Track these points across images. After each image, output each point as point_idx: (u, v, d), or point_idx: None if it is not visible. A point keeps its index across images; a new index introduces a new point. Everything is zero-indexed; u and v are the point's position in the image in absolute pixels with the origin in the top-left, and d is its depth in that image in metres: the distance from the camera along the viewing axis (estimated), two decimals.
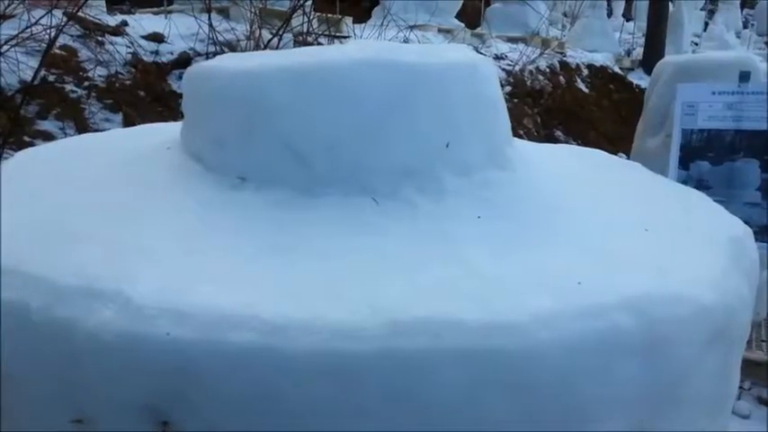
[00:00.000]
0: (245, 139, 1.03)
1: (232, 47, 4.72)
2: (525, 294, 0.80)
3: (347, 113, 1.01)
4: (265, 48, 4.17)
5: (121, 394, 0.76)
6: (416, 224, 0.96)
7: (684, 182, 1.84)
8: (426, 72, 1.04)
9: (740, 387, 3.35)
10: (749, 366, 3.19)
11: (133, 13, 5.05)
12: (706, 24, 16.17)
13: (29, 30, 3.45)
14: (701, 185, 1.90)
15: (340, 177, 1.01)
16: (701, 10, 16.36)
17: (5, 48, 3.37)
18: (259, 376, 0.72)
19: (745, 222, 1.20)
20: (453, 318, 0.74)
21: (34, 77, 3.30)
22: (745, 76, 2.02)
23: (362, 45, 1.17)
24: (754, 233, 2.06)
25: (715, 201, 1.33)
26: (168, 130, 1.47)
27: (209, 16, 4.19)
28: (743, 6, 20.67)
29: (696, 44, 13.81)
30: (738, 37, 16.48)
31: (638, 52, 10.11)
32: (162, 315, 0.74)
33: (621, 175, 1.41)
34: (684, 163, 2.11)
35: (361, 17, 6.29)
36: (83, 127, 3.70)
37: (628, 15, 16.56)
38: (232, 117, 1.04)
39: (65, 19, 3.58)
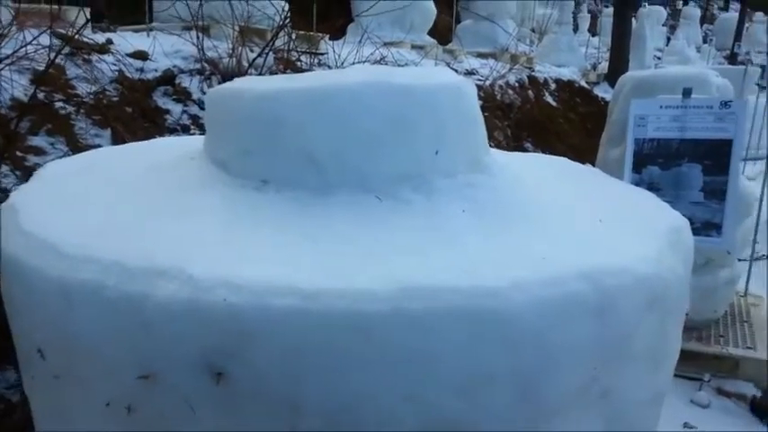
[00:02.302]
0: (268, 149, 1.23)
1: (215, 64, 4.88)
2: (504, 267, 1.01)
3: (353, 127, 1.21)
4: (249, 66, 4.34)
5: (184, 352, 0.94)
6: (413, 217, 1.16)
7: (637, 184, 2.08)
8: (419, 92, 1.26)
9: (700, 379, 3.61)
10: (708, 359, 3.44)
11: (114, 31, 5.16)
12: (668, 39, 16.77)
13: (23, 49, 3.57)
14: (651, 188, 2.14)
15: (348, 180, 1.21)
16: (663, 26, 16.96)
17: (1, 66, 3.48)
18: (298, 333, 0.91)
19: (690, 219, 1.43)
20: (450, 284, 0.95)
21: (32, 97, 3.42)
22: (687, 92, 2.29)
23: (365, 69, 1.38)
24: (698, 228, 2.32)
25: (664, 201, 1.56)
26: (182, 144, 1.66)
27: (196, 35, 4.34)
28: (702, 22, 21.49)
29: (659, 58, 14.35)
30: (699, 51, 17.11)
31: (604, 66, 10.48)
32: (218, 286, 0.93)
33: (582, 178, 1.64)
34: (637, 168, 2.38)
35: (336, 34, 6.48)
36: (73, 143, 3.82)
37: (593, 31, 17.12)
38: (257, 131, 1.24)
39: (54, 39, 3.71)
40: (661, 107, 2.33)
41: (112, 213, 1.18)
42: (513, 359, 0.96)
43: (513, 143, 6.81)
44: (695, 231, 1.43)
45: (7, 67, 3.49)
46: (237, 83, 1.40)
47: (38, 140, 3.74)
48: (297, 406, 0.93)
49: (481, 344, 0.94)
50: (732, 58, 14.90)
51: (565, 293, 0.99)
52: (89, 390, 1.03)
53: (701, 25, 20.91)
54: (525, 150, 6.81)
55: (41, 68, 3.60)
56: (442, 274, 0.98)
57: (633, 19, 10.72)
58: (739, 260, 3.71)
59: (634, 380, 1.11)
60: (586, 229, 1.22)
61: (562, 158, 1.84)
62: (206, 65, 4.51)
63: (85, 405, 1.05)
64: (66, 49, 4.02)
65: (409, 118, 1.25)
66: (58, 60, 4.01)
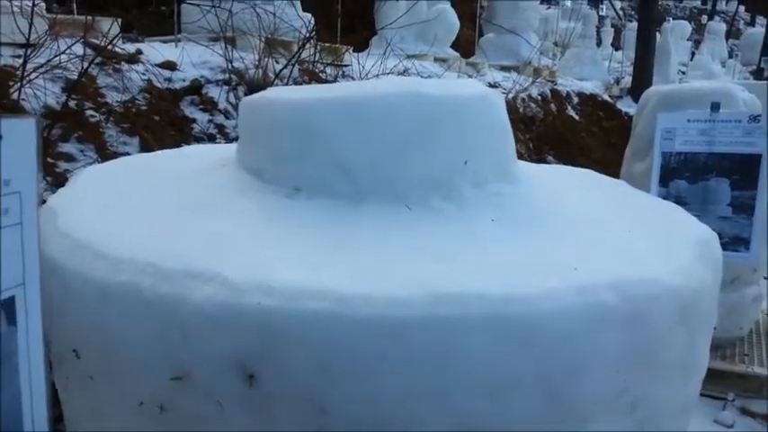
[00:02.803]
0: (300, 156, 1.26)
1: (241, 75, 4.96)
2: (534, 275, 1.02)
3: (385, 136, 1.24)
4: (276, 77, 4.41)
5: (217, 354, 0.96)
6: (443, 225, 1.18)
7: (664, 198, 2.07)
8: (449, 103, 1.27)
9: (724, 398, 3.55)
10: (733, 379, 3.38)
11: (143, 41, 5.27)
12: (692, 54, 16.63)
13: (57, 59, 3.66)
14: (679, 201, 2.12)
15: (379, 188, 1.23)
16: (688, 40, 16.84)
17: (34, 75, 3.58)
18: (330, 337, 0.93)
19: (719, 233, 1.43)
20: (480, 291, 0.96)
21: (64, 105, 3.50)
22: (715, 106, 2.28)
23: (393, 80, 1.40)
24: (726, 243, 2.29)
25: (691, 215, 1.56)
26: (212, 152, 1.69)
27: (224, 46, 4.42)
28: (728, 37, 21.29)
29: (683, 73, 14.24)
30: (724, 66, 16.95)
31: (627, 81, 10.42)
32: (253, 290, 0.95)
33: (609, 190, 1.64)
34: (664, 182, 2.36)
35: (360, 46, 6.55)
36: (102, 150, 3.91)
37: (617, 45, 17.04)
38: (289, 139, 1.27)
39: (87, 49, 3.80)
40: (689, 121, 2.32)
41: (149, 217, 1.21)
42: (541, 366, 0.97)
43: (535, 156, 6.80)
44: (723, 246, 1.42)
45: (41, 76, 3.58)
46: (270, 92, 1.43)
47: (68, 147, 3.83)
48: (325, 408, 0.94)
49: (509, 349, 0.95)
50: (758, 74, 14.72)
51: (594, 303, 0.99)
52: (123, 389, 1.06)
53: (727, 40, 20.71)
54: (547, 163, 6.79)
55: (73, 77, 3.70)
56: (472, 281, 0.99)
57: (657, 33, 10.66)
58: (765, 278, 3.65)
59: (664, 391, 1.10)
60: (615, 240, 1.22)
61: (588, 170, 1.84)
62: (232, 75, 4.59)
63: (119, 404, 1.07)
64: (98, 59, 4.13)
65: (439, 128, 1.26)
66: (89, 70, 4.11)
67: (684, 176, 2.35)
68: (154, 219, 1.20)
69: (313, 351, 0.93)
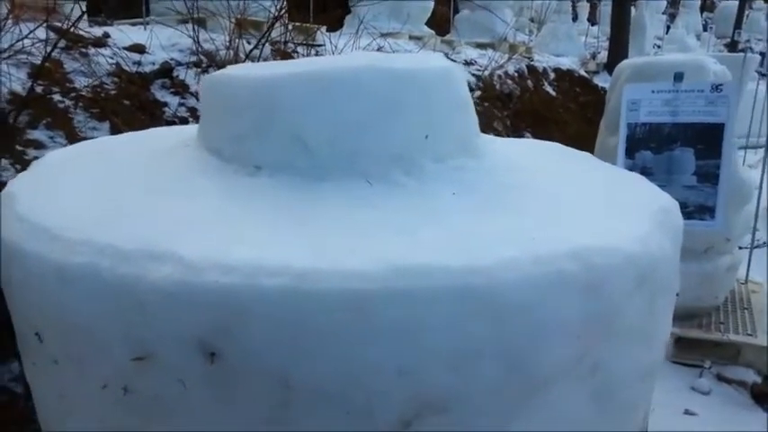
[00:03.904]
0: (260, 134, 1.25)
1: (212, 57, 4.88)
2: (494, 247, 1.03)
3: (346, 111, 1.23)
4: (246, 58, 4.35)
5: (177, 333, 0.96)
6: (405, 199, 1.18)
7: (630, 169, 2.09)
8: (409, 77, 1.27)
9: (701, 366, 3.62)
10: (709, 347, 3.46)
11: (111, 25, 5.16)
12: (668, 28, 16.69)
13: (20, 43, 3.57)
14: (645, 172, 2.15)
15: (340, 164, 1.23)
16: (663, 14, 16.89)
17: None
18: (289, 313, 0.93)
19: (684, 202, 1.45)
20: (441, 263, 0.97)
21: (30, 91, 3.43)
22: (679, 77, 2.30)
23: (356, 55, 1.39)
24: (692, 212, 2.33)
25: (657, 185, 1.57)
26: (178, 132, 1.67)
27: (193, 27, 4.35)
28: (702, 10, 21.41)
29: (659, 47, 14.31)
30: (698, 39, 17.06)
31: (603, 56, 10.46)
32: (210, 268, 0.95)
33: (573, 162, 1.65)
34: (630, 153, 2.39)
35: (334, 25, 6.47)
36: (72, 135, 3.83)
37: (592, 20, 17.06)
38: (250, 116, 1.26)
39: (51, 33, 3.71)
40: (653, 92, 2.34)
41: (107, 199, 1.19)
42: (502, 335, 0.98)
43: (513, 133, 6.81)
44: (689, 215, 1.45)
45: (4, 62, 3.50)
46: (230, 69, 1.41)
47: (37, 134, 3.75)
48: (288, 383, 0.94)
49: (470, 320, 0.96)
50: (732, 46, 14.86)
51: (553, 271, 1.00)
52: (86, 372, 1.05)
53: (701, 13, 20.83)
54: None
55: (38, 62, 3.61)
56: (432, 254, 0.99)
57: (632, 8, 10.69)
58: (740, 248, 3.72)
59: (623, 356, 1.12)
60: (575, 210, 1.23)
61: (554, 143, 1.85)
62: (203, 57, 4.52)
63: (84, 388, 1.07)
64: (63, 43, 4.03)
65: (400, 102, 1.26)
66: (55, 54, 4.02)
67: (650, 147, 2.38)
68: (113, 201, 1.18)
69: (273, 327, 0.93)
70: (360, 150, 1.24)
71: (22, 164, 3.19)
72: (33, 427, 1.33)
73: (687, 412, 3.24)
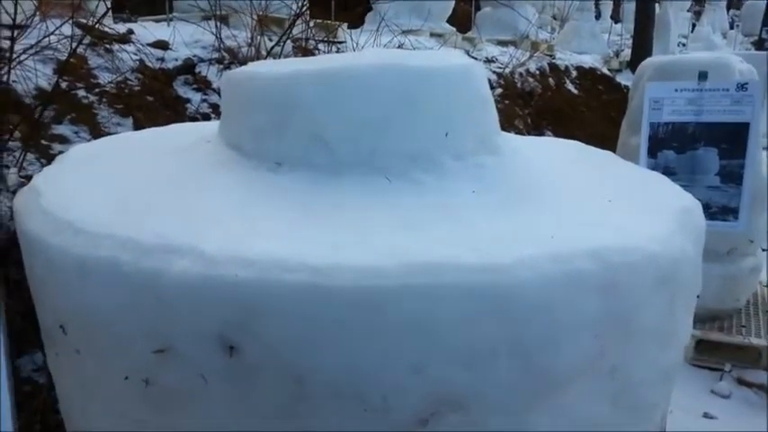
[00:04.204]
0: (280, 130, 1.26)
1: (234, 54, 4.91)
2: (511, 245, 1.02)
3: (366, 109, 1.23)
4: (268, 54, 4.37)
5: (197, 326, 0.97)
6: (423, 197, 1.18)
7: (653, 169, 2.07)
8: (429, 74, 1.27)
9: (721, 369, 3.57)
10: (730, 350, 3.41)
11: (135, 21, 5.22)
12: (693, 26, 16.41)
13: (47, 39, 3.63)
14: (667, 172, 2.12)
15: (359, 161, 1.23)
16: (688, 11, 16.61)
17: (24, 57, 3.55)
18: (306, 308, 0.94)
19: (707, 203, 1.43)
20: (456, 260, 0.96)
21: (55, 87, 3.48)
22: (703, 75, 2.26)
23: (377, 52, 1.39)
24: (715, 213, 2.30)
25: (680, 185, 1.55)
26: (200, 128, 1.69)
27: (215, 24, 4.38)
28: (729, 8, 21.01)
29: (683, 45, 14.07)
30: (725, 37, 16.74)
31: (627, 54, 10.31)
32: (229, 262, 0.96)
33: (594, 161, 1.64)
34: (652, 152, 2.36)
35: (355, 22, 6.47)
36: (96, 131, 3.89)
37: (616, 17, 16.84)
38: (270, 113, 1.27)
39: (76, 29, 3.76)
40: (677, 90, 2.30)
41: (130, 193, 1.21)
42: (518, 334, 0.97)
43: (534, 131, 6.76)
44: (712, 216, 1.43)
45: (31, 57, 3.56)
46: (251, 66, 1.42)
47: (62, 129, 3.81)
48: (304, 378, 0.95)
49: (486, 319, 0.96)
50: (759, 44, 14.56)
51: (571, 270, 1.00)
52: (108, 364, 1.07)
53: (728, 11, 20.44)
54: None
55: (64, 58, 3.67)
56: (448, 251, 0.99)
57: (657, 5, 10.53)
58: (763, 250, 3.66)
59: (642, 357, 1.11)
60: (596, 210, 1.22)
61: (576, 142, 1.84)
62: (225, 54, 4.55)
63: (105, 379, 1.09)
64: (88, 39, 4.08)
65: (419, 99, 1.26)
66: (80, 50, 4.08)
67: (673, 146, 2.34)
68: (135, 195, 1.20)
69: (291, 322, 0.94)
70: (379, 147, 1.24)
71: (48, 158, 3.25)
72: (56, 417, 1.36)
73: (706, 415, 3.20)
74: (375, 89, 1.24)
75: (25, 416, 2.83)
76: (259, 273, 0.94)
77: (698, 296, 1.28)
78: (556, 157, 1.55)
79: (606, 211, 1.22)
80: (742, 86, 2.22)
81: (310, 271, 0.94)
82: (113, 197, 1.20)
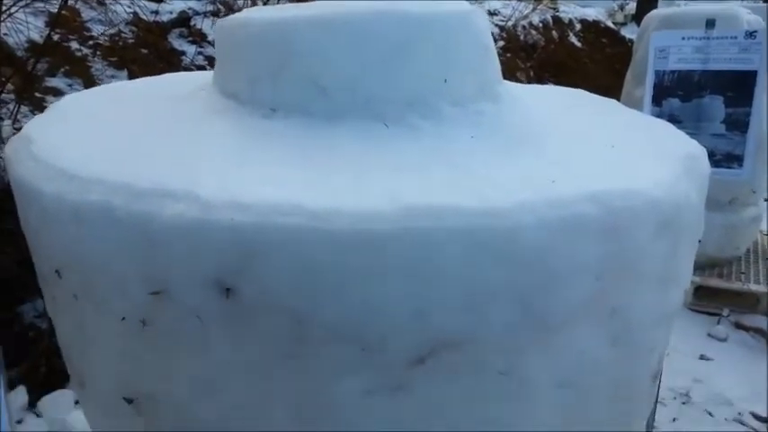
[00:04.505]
0: (276, 77, 1.23)
1: (229, 6, 4.80)
2: (511, 189, 1.01)
3: (363, 54, 1.20)
4: (264, 5, 4.28)
5: (193, 270, 0.96)
6: (421, 142, 1.16)
7: (657, 117, 2.04)
8: (428, 20, 1.23)
9: (719, 314, 3.62)
10: (729, 296, 3.45)
11: None
12: None
13: None
14: (672, 120, 2.09)
15: (356, 107, 1.21)
16: None
17: (14, 9, 3.47)
18: (304, 252, 0.93)
19: (712, 151, 1.41)
20: (455, 204, 0.95)
21: (46, 40, 3.41)
22: (710, 23, 2.21)
23: None
24: (720, 160, 2.28)
25: (685, 133, 1.53)
26: (195, 78, 1.66)
27: None
28: None
29: None
30: None
31: (632, 7, 10.11)
32: (225, 206, 0.95)
33: (598, 108, 1.61)
34: (657, 101, 2.33)
35: None
36: (90, 83, 3.83)
37: None
38: (265, 59, 1.24)
39: None
40: (683, 38, 2.25)
41: (122, 140, 1.19)
42: (517, 277, 0.97)
43: (537, 83, 6.67)
44: (717, 163, 1.41)
45: (21, 10, 3.48)
46: (245, 12, 1.38)
47: (56, 82, 3.76)
48: (302, 321, 0.95)
49: (484, 263, 0.95)
50: None
51: (572, 214, 0.99)
52: (105, 306, 1.07)
53: None
54: None
55: (55, 11, 3.59)
56: (447, 195, 0.98)
57: None
58: (765, 200, 3.66)
59: (642, 300, 1.11)
60: (598, 155, 1.20)
61: (579, 90, 1.80)
62: (220, 6, 4.46)
63: (103, 321, 1.09)
64: None
65: (418, 45, 1.22)
66: (71, 2, 3.98)
67: (678, 95, 2.30)
68: (128, 141, 1.18)
69: (288, 266, 0.93)
70: (376, 93, 1.21)
71: (42, 110, 3.21)
72: (60, 362, 1.37)
73: (703, 357, 3.25)
74: (372, 35, 1.20)
75: (30, 361, 2.88)
76: (255, 217, 0.93)
77: (699, 241, 1.27)
78: (558, 104, 1.52)
79: (609, 156, 1.20)
80: (751, 34, 2.17)
81: (308, 214, 0.93)
82: (106, 144, 1.18)
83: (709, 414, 3.30)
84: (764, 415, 3.22)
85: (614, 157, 1.20)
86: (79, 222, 1.03)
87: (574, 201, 1.00)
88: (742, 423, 3.26)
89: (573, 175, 1.08)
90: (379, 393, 1.02)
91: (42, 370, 2.80)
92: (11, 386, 2.85)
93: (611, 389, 1.18)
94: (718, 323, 3.49)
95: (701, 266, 3.32)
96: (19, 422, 2.71)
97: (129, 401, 1.15)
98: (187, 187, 0.99)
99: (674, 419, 3.27)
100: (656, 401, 1.74)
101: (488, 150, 1.15)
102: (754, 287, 3.34)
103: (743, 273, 3.49)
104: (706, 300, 3.45)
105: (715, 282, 3.40)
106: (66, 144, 1.20)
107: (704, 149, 1.36)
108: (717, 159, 2.17)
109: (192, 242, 0.95)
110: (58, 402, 2.78)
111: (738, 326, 3.48)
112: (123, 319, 1.05)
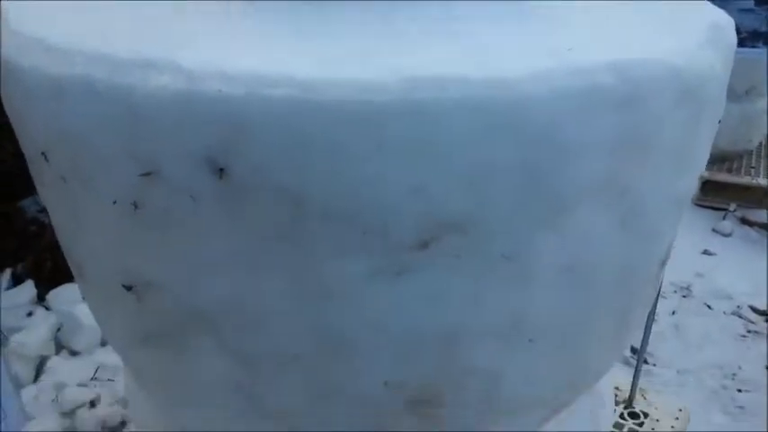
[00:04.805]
0: None
1: None
2: (522, 58, 0.93)
3: None
4: None
5: (182, 147, 0.91)
6: (423, 9, 1.06)
7: None
8: None
9: (725, 209, 3.59)
10: (737, 190, 3.40)
11: None
12: None
13: None
14: None
15: None
16: None
17: None
18: (295, 127, 0.87)
19: (737, 28, 1.29)
20: (460, 74, 0.87)
21: None
22: None
23: None
24: (744, 39, 2.14)
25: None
26: None
27: None
28: None
29: None
30: None
31: None
32: (211, 77, 0.87)
33: None
34: None
35: None
36: None
37: None
38: None
39: None
40: None
41: (103, 11, 1.10)
42: (525, 153, 0.91)
43: None
44: (740, 42, 1.30)
45: None
46: None
47: None
48: (298, 200, 0.91)
49: (493, 136, 0.89)
50: None
51: (587, 84, 0.91)
52: (95, 189, 1.02)
53: None
54: None
55: None
56: (451, 65, 0.90)
57: None
58: None
59: (656, 180, 1.06)
60: (617, 23, 1.10)
61: None
62: None
63: (94, 205, 1.05)
64: None
65: None
66: None
67: None
68: (109, 13, 1.09)
69: (279, 141, 0.87)
70: None
71: None
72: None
73: (706, 252, 3.26)
74: None
75: (35, 256, 2.92)
76: (243, 88, 0.86)
77: (719, 121, 1.20)
78: None
79: (628, 23, 1.11)
80: None
81: (298, 85, 0.85)
82: (86, 15, 1.09)
83: (708, 307, 3.36)
84: (762, 308, 3.27)
85: (634, 25, 1.10)
86: (60, 98, 0.96)
87: (591, 70, 0.92)
88: (740, 316, 3.32)
89: (589, 43, 0.99)
90: (380, 278, 1.00)
91: (48, 264, 2.84)
92: (18, 281, 2.90)
93: (617, 273, 1.16)
94: (724, 218, 3.47)
95: (710, 161, 3.26)
96: (29, 315, 2.78)
97: (128, 288, 1.13)
98: (170, 57, 0.91)
99: (673, 312, 3.33)
100: (659, 294, 1.74)
101: (498, 18, 1.06)
102: (763, 181, 3.28)
103: (753, 167, 3.42)
104: (712, 195, 3.40)
105: (723, 176, 3.34)
106: (43, 14, 1.11)
107: (731, 20, 1.25)
108: (741, 37, 2.05)
109: (177, 116, 0.89)
110: (65, 296, 2.83)
111: (744, 221, 3.46)
112: (115, 202, 1.00)
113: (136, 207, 0.98)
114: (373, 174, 0.89)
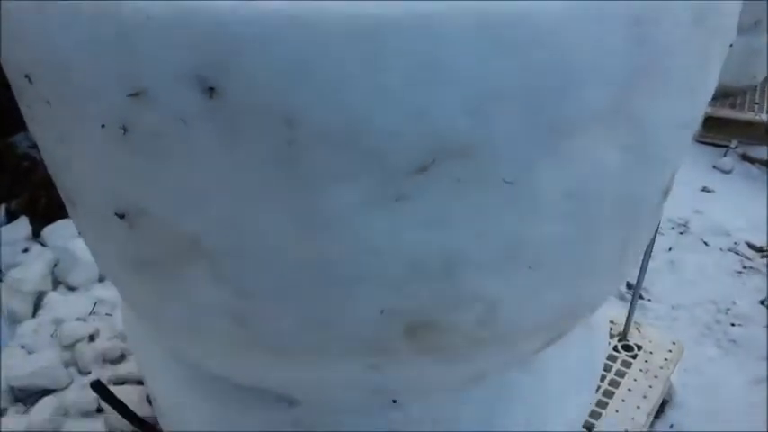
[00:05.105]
0: None
1: None
2: None
3: None
4: None
5: (170, 65, 0.86)
6: None
7: None
8: None
9: (727, 146, 3.55)
10: (740, 126, 3.36)
11: None
12: None
13: None
14: None
15: None
16: None
17: None
18: (288, 42, 0.82)
19: None
20: None
21: None
22: None
23: None
24: None
25: None
26: None
27: None
28: None
29: None
30: None
31: None
32: None
33: None
34: None
35: None
36: None
37: None
38: None
39: None
40: None
41: None
42: (532, 74, 0.87)
43: None
44: None
45: None
46: None
47: None
48: (293, 120, 0.87)
49: (497, 54, 0.84)
50: None
51: (600, 4, 0.86)
52: (82, 113, 0.98)
53: None
54: None
55: None
56: None
57: None
58: None
59: (663, 105, 1.02)
60: None
61: None
62: None
63: (81, 129, 1.01)
64: None
65: None
66: None
67: None
68: None
69: (273, 57, 0.83)
70: None
71: None
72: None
73: (705, 189, 3.24)
74: None
75: (29, 192, 2.89)
76: (232, 3, 0.81)
77: (731, 45, 1.15)
78: None
79: None
80: None
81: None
82: None
83: (705, 243, 3.37)
84: (759, 245, 3.28)
85: None
86: (43, 17, 0.91)
87: None
88: (737, 253, 3.34)
89: None
90: (379, 203, 0.97)
91: (42, 201, 2.81)
92: (13, 217, 2.88)
93: (620, 202, 1.14)
94: (725, 155, 3.43)
95: (713, 96, 3.21)
96: (25, 251, 2.77)
97: (121, 216, 1.11)
98: None
99: (669, 248, 3.34)
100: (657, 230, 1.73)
101: None
102: (766, 117, 3.23)
103: (756, 103, 3.36)
104: (714, 131, 3.35)
105: (726, 112, 3.29)
106: None
107: None
108: None
109: (164, 32, 0.84)
110: (60, 232, 2.82)
111: (745, 158, 3.43)
112: (103, 126, 0.97)
113: (125, 131, 0.95)
114: (371, 93, 0.85)
